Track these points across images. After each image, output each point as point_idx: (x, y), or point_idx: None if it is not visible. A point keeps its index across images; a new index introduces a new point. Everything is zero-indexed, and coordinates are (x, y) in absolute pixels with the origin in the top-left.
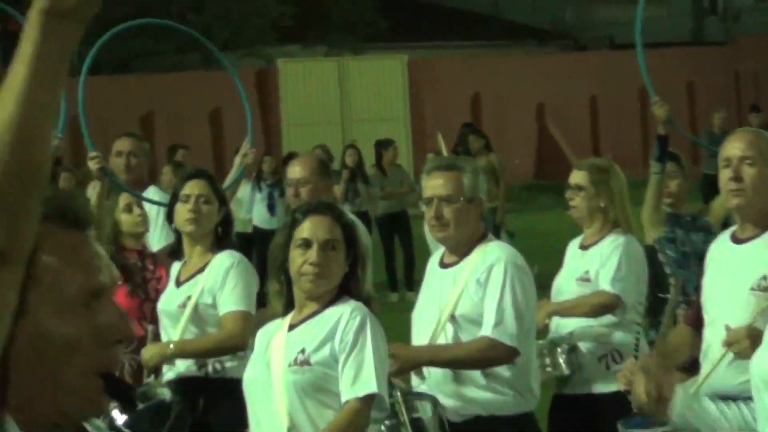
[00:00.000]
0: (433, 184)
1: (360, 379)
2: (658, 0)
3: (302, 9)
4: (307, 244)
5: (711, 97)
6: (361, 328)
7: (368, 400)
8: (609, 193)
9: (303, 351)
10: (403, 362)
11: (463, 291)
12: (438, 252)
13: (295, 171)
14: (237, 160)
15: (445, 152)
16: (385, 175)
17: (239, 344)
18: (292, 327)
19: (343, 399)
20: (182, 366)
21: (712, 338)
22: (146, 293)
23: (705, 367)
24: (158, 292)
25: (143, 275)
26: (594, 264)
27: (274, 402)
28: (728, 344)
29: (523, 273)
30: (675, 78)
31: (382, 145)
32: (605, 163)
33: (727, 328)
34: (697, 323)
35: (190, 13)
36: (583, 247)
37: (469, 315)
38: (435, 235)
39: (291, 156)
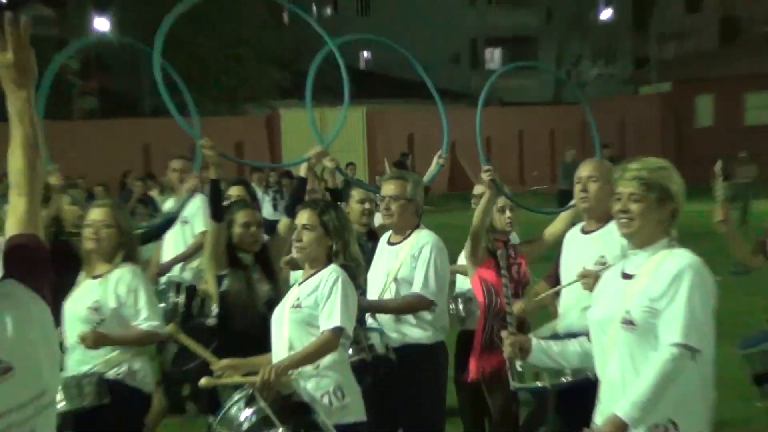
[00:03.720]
0: (386, 188)
1: (331, 317)
2: (530, 73)
3: (296, 75)
4: (297, 228)
5: (566, 140)
6: (334, 282)
7: (336, 331)
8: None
9: (299, 298)
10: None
11: (403, 262)
12: (386, 235)
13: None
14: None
15: (388, 171)
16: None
17: None
18: (300, 283)
19: (320, 330)
20: None
21: (566, 296)
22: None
23: (561, 318)
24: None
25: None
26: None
27: (282, 332)
28: (582, 276)
29: (442, 250)
30: (541, 127)
31: (348, 166)
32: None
33: (584, 269)
34: (554, 284)
35: (223, 77)
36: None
37: (406, 278)
38: (385, 221)
39: (288, 173)
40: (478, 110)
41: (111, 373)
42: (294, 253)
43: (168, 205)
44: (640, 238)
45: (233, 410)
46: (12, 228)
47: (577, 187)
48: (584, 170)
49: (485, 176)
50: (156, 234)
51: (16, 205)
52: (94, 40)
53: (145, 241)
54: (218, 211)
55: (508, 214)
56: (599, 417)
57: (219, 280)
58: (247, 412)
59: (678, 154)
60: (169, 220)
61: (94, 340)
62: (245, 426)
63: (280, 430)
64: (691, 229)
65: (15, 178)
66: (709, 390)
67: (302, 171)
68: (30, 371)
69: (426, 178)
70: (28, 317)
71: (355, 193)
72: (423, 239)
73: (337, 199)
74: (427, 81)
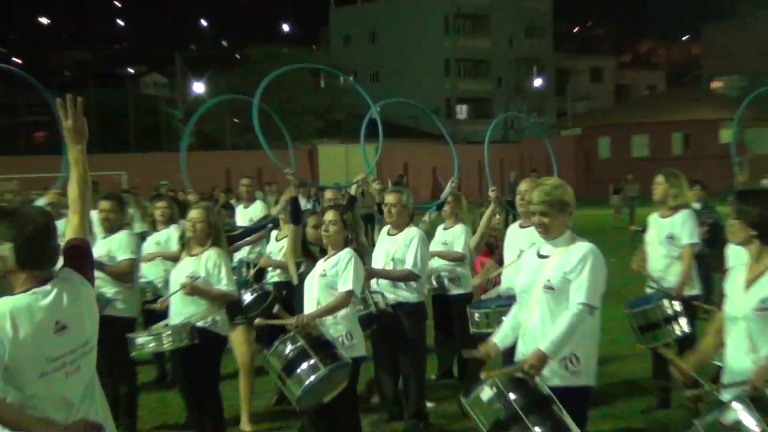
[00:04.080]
0: (388, 198)
1: (346, 283)
2: (487, 121)
3: (328, 123)
4: (324, 222)
5: (511, 165)
6: (348, 260)
7: (349, 293)
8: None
9: (324, 270)
10: (368, 276)
11: (398, 248)
12: (385, 228)
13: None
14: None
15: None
16: (363, 196)
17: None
18: (325, 260)
19: (338, 291)
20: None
21: (507, 271)
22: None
23: (503, 284)
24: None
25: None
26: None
27: (312, 293)
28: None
29: (425, 241)
30: (494, 158)
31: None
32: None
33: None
34: (500, 263)
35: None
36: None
37: (400, 259)
38: (387, 220)
39: (323, 188)
40: (486, 147)
41: (200, 323)
42: (324, 237)
43: (240, 209)
44: (552, 237)
45: (281, 346)
46: (69, 234)
47: (518, 198)
48: (523, 186)
49: (492, 194)
50: (260, 227)
51: (72, 219)
52: (214, 102)
53: (250, 232)
54: (297, 217)
55: (497, 216)
56: (523, 351)
57: (297, 265)
58: (290, 346)
59: (586, 176)
60: (271, 220)
61: (190, 288)
62: (290, 356)
63: (313, 360)
64: (593, 227)
65: (72, 202)
66: (598, 334)
67: (352, 190)
68: (78, 328)
69: (442, 196)
70: (78, 293)
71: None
72: (412, 233)
73: (381, 210)
74: (442, 130)
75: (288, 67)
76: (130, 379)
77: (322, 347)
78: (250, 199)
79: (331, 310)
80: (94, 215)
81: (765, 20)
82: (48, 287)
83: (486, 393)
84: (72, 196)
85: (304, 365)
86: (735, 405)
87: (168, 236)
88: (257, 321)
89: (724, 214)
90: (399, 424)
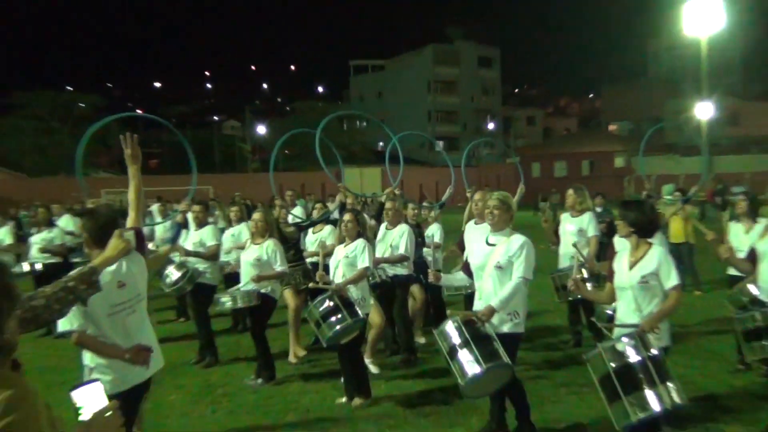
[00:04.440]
0: (387, 204)
1: (363, 262)
2: (455, 151)
3: (349, 152)
4: (343, 221)
5: (470, 183)
6: (364, 246)
7: (366, 269)
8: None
9: (347, 253)
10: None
11: (394, 238)
12: (384, 224)
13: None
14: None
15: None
16: (372, 203)
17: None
18: (345, 246)
19: (359, 268)
20: (312, 259)
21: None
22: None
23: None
24: None
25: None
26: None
27: (338, 269)
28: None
29: (412, 233)
30: (460, 177)
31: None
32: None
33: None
34: (461, 248)
35: (311, 152)
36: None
37: (397, 246)
38: (386, 219)
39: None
40: (462, 164)
41: (262, 290)
42: (344, 231)
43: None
44: (498, 228)
45: (320, 302)
46: (129, 224)
47: (472, 205)
48: (477, 196)
49: (469, 194)
50: (315, 224)
51: (131, 214)
52: (288, 135)
53: (314, 224)
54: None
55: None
56: (478, 307)
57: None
58: (327, 303)
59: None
60: (329, 214)
61: (258, 278)
62: (324, 310)
63: (341, 314)
64: (527, 224)
65: (131, 202)
66: (527, 297)
67: (382, 199)
68: (132, 285)
69: (443, 198)
70: (133, 262)
71: (410, 206)
72: (404, 228)
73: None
74: (445, 157)
75: (343, 112)
76: (206, 327)
77: (348, 306)
78: (292, 205)
79: (354, 280)
80: (190, 215)
81: (644, 84)
82: None
83: (449, 326)
84: (131, 198)
85: (335, 317)
86: (624, 339)
87: (240, 231)
88: (311, 285)
89: (617, 216)
90: (397, 357)
